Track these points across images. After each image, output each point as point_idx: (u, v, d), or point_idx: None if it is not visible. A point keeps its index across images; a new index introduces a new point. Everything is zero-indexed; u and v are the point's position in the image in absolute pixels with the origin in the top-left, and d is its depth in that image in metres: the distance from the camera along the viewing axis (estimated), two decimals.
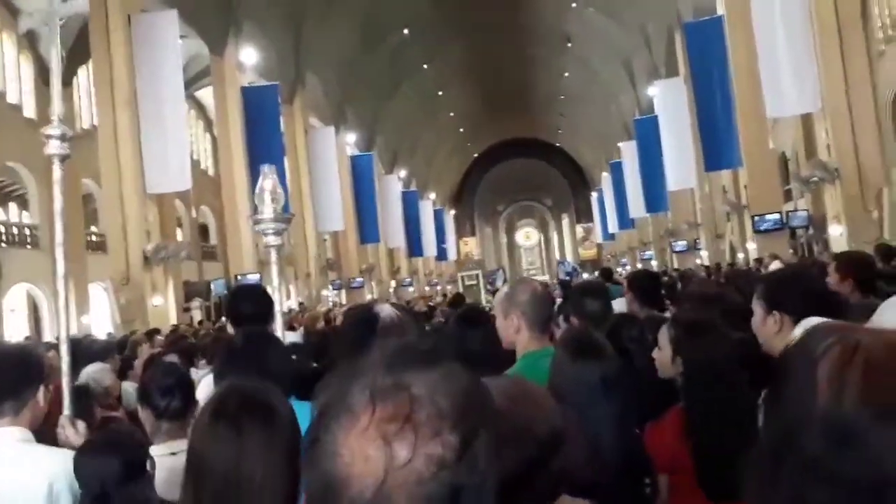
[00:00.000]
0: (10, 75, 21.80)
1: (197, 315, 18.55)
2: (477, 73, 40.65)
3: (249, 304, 3.07)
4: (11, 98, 21.74)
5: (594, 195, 50.85)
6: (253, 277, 20.80)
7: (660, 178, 24.92)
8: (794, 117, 18.52)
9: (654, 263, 34.04)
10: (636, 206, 30.61)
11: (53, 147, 2.73)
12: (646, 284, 4.21)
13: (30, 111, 22.25)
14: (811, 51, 15.80)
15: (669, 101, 23.43)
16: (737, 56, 18.28)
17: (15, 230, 21.97)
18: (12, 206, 24.51)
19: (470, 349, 2.55)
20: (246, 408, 1.44)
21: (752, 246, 20.46)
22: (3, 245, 20.29)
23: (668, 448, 2.22)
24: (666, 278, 10.19)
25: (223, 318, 16.65)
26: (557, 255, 59.78)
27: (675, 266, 26.05)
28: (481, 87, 43.19)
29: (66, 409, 2.55)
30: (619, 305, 4.05)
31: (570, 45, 36.49)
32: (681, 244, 28.77)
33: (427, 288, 41.78)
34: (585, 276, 28.49)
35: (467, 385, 0.63)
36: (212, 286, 20.55)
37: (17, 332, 19.62)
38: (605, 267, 14.97)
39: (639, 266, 35.67)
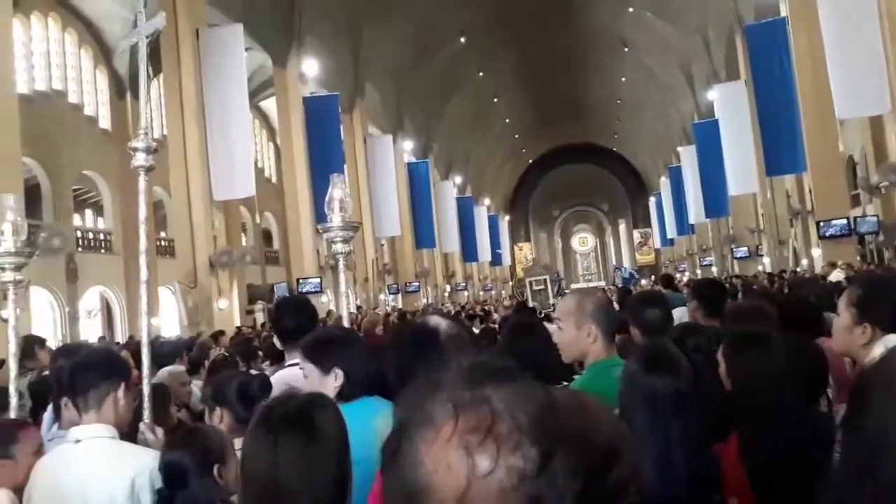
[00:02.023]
0: (87, 89, 22.91)
1: (260, 318, 19.08)
2: (532, 79, 40.52)
3: (293, 316, 3.06)
4: (88, 110, 22.84)
5: (652, 200, 49.94)
6: (313, 282, 21.32)
7: (720, 183, 24.38)
8: (861, 120, 17.89)
9: (714, 270, 33.27)
10: (696, 211, 29.98)
11: (139, 159, 2.89)
12: (712, 293, 4.00)
13: (105, 123, 23.34)
14: (881, 50, 15.28)
15: (730, 104, 22.95)
16: (801, 58, 17.78)
17: (90, 235, 23.07)
18: (88, 212, 25.73)
19: (523, 359, 2.50)
20: (285, 419, 1.50)
21: (817, 252, 19.83)
22: (80, 250, 21.27)
23: (732, 468, 2.06)
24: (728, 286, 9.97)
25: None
26: (614, 261, 58.91)
27: (737, 272, 25.45)
28: (537, 93, 43.02)
29: (147, 412, 2.68)
30: (680, 315, 3.95)
31: (626, 49, 36.06)
32: (742, 250, 28.05)
33: (482, 293, 41.84)
34: (643, 282, 28.15)
35: (544, 400, 0.63)
36: (274, 290, 21.10)
37: (91, 333, 20.44)
38: (666, 273, 14.63)
39: (698, 273, 34.92)
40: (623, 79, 40.11)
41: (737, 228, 29.55)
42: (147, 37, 3.04)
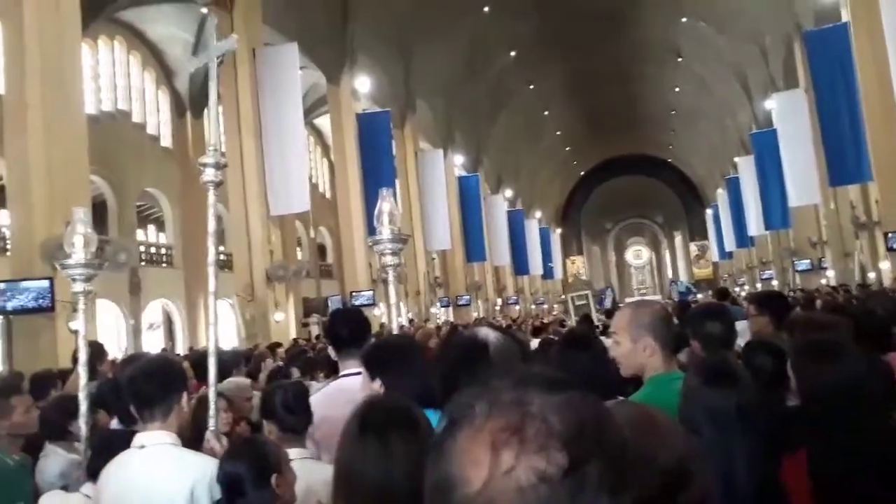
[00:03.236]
0: (150, 108, 23.82)
1: (315, 330, 19.33)
2: (583, 91, 40.29)
3: (347, 327, 3.09)
4: (150, 129, 23.73)
5: (709, 212, 48.87)
6: (366, 294, 21.55)
7: (780, 194, 23.71)
8: None
9: (774, 283, 32.27)
10: (755, 223, 29.19)
11: (209, 174, 2.92)
12: (780, 306, 3.87)
13: (166, 141, 24.20)
14: None
15: (789, 113, 22.32)
16: (864, 63, 17.19)
17: (153, 250, 23.87)
18: (150, 228, 26.64)
19: (577, 373, 2.43)
20: (392, 421, 1.50)
21: (885, 265, 19.03)
22: (143, 264, 22.02)
23: (799, 483, 1.99)
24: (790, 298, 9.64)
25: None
26: (670, 275, 57.78)
27: (799, 286, 24.63)
28: (588, 105, 42.73)
29: (213, 420, 2.73)
30: (742, 328, 3.79)
31: (680, 59, 35.55)
32: (804, 263, 27.14)
33: (533, 306, 41.54)
34: (700, 296, 27.49)
35: (589, 412, 0.64)
36: (328, 303, 21.43)
37: (153, 344, 21.11)
38: (722, 287, 14.31)
39: (758, 286, 33.94)
40: (676, 89, 39.52)
41: (798, 241, 28.64)
42: (217, 58, 3.12)
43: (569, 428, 0.61)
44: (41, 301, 10.70)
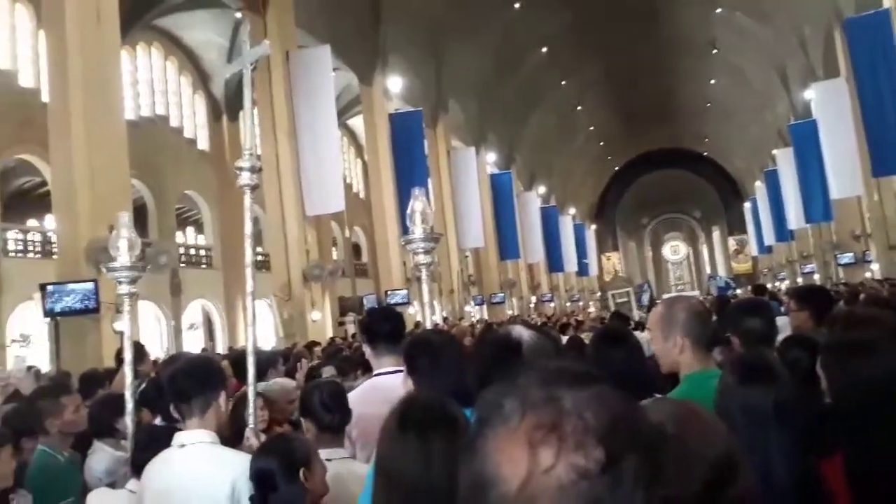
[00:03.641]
0: (187, 113, 24.29)
1: (351, 329, 19.54)
2: (617, 85, 39.88)
3: (381, 325, 3.11)
4: (188, 133, 24.19)
5: (747, 206, 47.95)
6: (401, 293, 21.67)
7: (821, 186, 23.14)
8: None
9: (816, 277, 31.53)
10: (795, 216, 28.56)
11: (245, 178, 2.99)
12: (822, 301, 3.76)
13: (203, 144, 24.64)
14: None
15: (829, 103, 21.78)
16: None
17: (192, 252, 24.34)
18: (189, 230, 27.16)
19: (611, 370, 2.35)
20: (431, 418, 1.50)
21: None
22: (183, 265, 22.46)
23: (836, 486, 1.91)
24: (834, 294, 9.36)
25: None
26: (708, 270, 56.87)
27: (842, 280, 24.04)
28: (621, 100, 42.28)
29: (251, 418, 2.80)
30: (782, 324, 3.67)
31: (715, 51, 34.93)
32: (847, 257, 26.43)
33: (568, 304, 41.27)
34: (739, 291, 27.02)
35: (620, 407, 0.64)
36: (364, 302, 21.62)
37: (193, 344, 21.46)
38: (759, 283, 14.03)
39: (799, 281, 33.21)
40: (712, 81, 38.86)
41: (840, 234, 27.94)
42: (251, 64, 3.19)
43: (603, 423, 0.61)
44: (87, 303, 10.99)
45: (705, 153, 54.15)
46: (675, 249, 62.29)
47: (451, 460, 1.34)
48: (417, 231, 2.87)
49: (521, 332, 2.00)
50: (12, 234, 17.66)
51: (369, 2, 23.67)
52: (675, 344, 2.30)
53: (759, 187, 39.37)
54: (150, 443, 2.75)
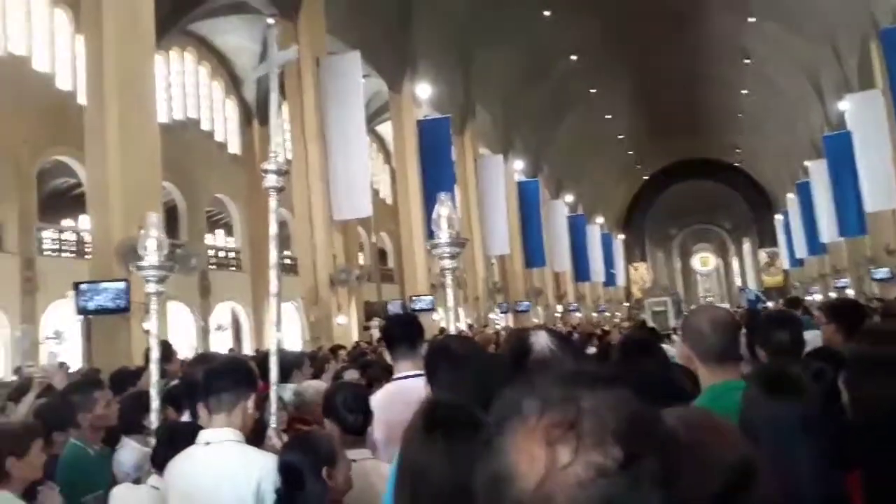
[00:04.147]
0: (218, 116, 24.66)
1: (376, 333, 19.64)
2: (647, 94, 39.60)
3: (401, 329, 3.19)
4: (219, 137, 24.54)
5: (779, 218, 47.19)
6: (426, 299, 21.71)
7: (855, 199, 22.72)
8: None
9: (849, 292, 30.90)
10: (828, 229, 28.05)
11: (270, 180, 3.08)
12: (850, 315, 3.68)
13: (234, 148, 24.99)
14: None
15: (865, 115, 21.42)
16: None
17: (221, 254, 24.65)
18: (219, 232, 27.52)
19: (635, 377, 2.26)
20: (456, 419, 1.51)
21: None
22: (212, 267, 22.77)
23: (856, 501, 1.90)
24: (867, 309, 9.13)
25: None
26: (738, 282, 56.09)
27: (878, 295, 23.54)
28: (652, 109, 41.96)
29: (274, 418, 2.86)
30: (813, 338, 3.68)
31: (747, 61, 34.53)
32: (882, 272, 25.85)
33: (595, 314, 40.95)
34: (770, 304, 26.56)
35: (638, 409, 0.65)
36: (389, 307, 21.72)
37: (221, 345, 21.71)
38: (793, 296, 13.76)
39: (831, 295, 32.56)
40: (744, 91, 38.40)
41: (875, 248, 27.37)
42: (278, 67, 3.25)
43: (621, 423, 0.62)
44: (118, 302, 11.21)
45: (736, 164, 53.47)
46: (704, 261, 61.52)
47: (475, 461, 1.42)
48: (443, 236, 2.88)
49: (539, 339, 2.00)
50: (48, 234, 18.07)
51: (399, 9, 23.84)
52: (689, 353, 2.29)
53: (792, 199, 38.76)
54: (172, 439, 2.80)
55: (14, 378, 9.90)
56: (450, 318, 3.10)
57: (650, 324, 15.04)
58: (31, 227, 17.04)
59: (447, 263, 2.97)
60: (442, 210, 2.93)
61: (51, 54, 18.63)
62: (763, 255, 56.54)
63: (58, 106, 17.42)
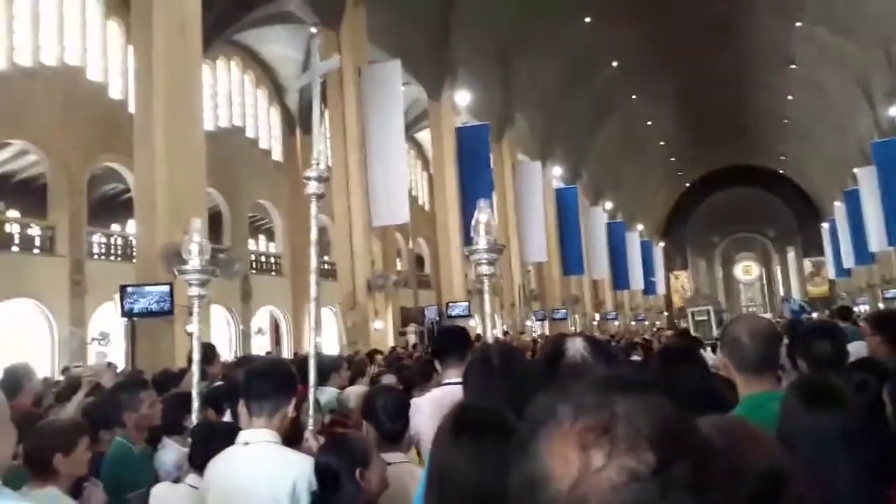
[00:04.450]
0: (262, 124, 25.12)
1: (412, 339, 19.72)
2: (689, 100, 39.04)
3: (453, 341, 3.29)
4: (263, 144, 24.99)
5: (825, 226, 45.99)
6: (462, 305, 21.73)
7: None
8: None
9: None
10: (877, 238, 27.25)
11: (312, 187, 3.15)
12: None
13: (277, 155, 25.41)
14: None
15: None
16: None
17: (262, 259, 25.06)
18: (261, 238, 27.98)
19: (673, 385, 2.40)
20: (485, 423, 1.51)
21: None
22: (253, 272, 23.16)
23: None
24: None
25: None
26: (782, 292, 54.77)
27: None
28: (694, 115, 41.35)
29: (311, 420, 2.90)
30: (857, 350, 3.62)
31: (793, 66, 33.79)
32: None
33: (633, 323, 40.42)
34: (815, 315, 25.87)
35: (672, 415, 0.65)
36: (425, 312, 21.80)
37: (260, 349, 22.02)
38: (843, 305, 13.39)
39: (880, 306, 31.59)
40: (790, 97, 37.60)
41: None
42: (320, 77, 3.33)
43: (655, 429, 0.63)
44: (162, 305, 11.46)
45: (781, 171, 52.31)
46: (747, 270, 60.27)
47: (504, 465, 1.43)
48: (481, 242, 2.88)
49: (574, 344, 1.98)
50: (97, 238, 18.61)
51: (440, 17, 23.99)
52: (724, 362, 2.28)
53: (839, 207, 37.76)
54: (208, 439, 2.85)
55: (61, 378, 10.21)
56: (486, 325, 3.12)
57: (693, 332, 14.80)
58: (80, 231, 17.56)
59: (484, 270, 2.97)
60: (481, 216, 2.93)
61: (104, 65, 19.24)
62: (808, 264, 55.15)
63: (109, 114, 17.97)
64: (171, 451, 3.64)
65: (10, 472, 1.90)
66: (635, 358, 7.97)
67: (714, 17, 30.07)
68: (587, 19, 29.06)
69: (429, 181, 31.23)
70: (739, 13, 30.22)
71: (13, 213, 18.00)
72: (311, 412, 2.93)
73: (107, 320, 16.56)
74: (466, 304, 21.95)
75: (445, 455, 1.52)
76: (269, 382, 2.56)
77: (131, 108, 15.14)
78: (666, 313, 49.66)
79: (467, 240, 2.99)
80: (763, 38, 32.10)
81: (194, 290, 3.24)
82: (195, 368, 3.35)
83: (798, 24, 29.87)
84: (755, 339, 2.23)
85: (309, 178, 3.15)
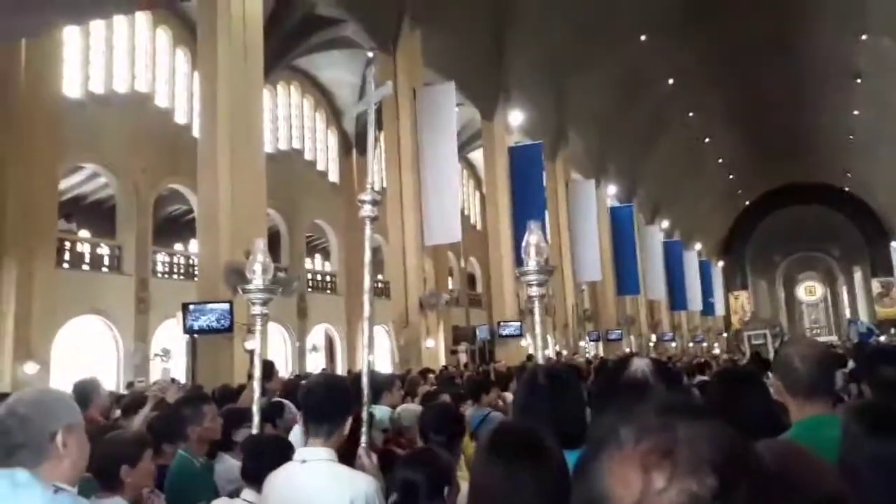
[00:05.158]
0: (320, 147, 25.70)
1: (463, 358, 19.72)
2: (748, 117, 38.18)
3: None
4: (320, 166, 25.55)
5: (894, 245, 44.12)
6: (513, 325, 21.62)
7: None
8: None
9: None
10: None
11: (366, 210, 3.22)
12: None
13: (333, 177, 25.93)
14: None
15: None
16: None
17: (318, 277, 25.51)
18: (317, 257, 28.50)
19: (730, 409, 2.33)
20: (519, 444, 1.55)
21: None
22: (309, 290, 23.58)
23: None
24: None
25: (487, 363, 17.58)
26: (848, 313, 52.59)
27: None
28: (753, 132, 40.40)
29: (364, 437, 2.92)
30: None
31: (859, 80, 32.72)
32: None
33: (691, 344, 39.42)
34: (883, 338, 24.74)
35: (732, 440, 0.66)
36: (477, 332, 21.77)
37: (315, 366, 22.34)
38: None
39: None
40: (855, 112, 36.37)
41: None
42: (374, 104, 3.44)
43: (717, 453, 0.63)
44: (222, 322, 11.81)
45: (846, 188, 50.49)
46: (810, 290, 58.15)
47: (536, 487, 1.47)
48: (531, 263, 2.91)
49: (638, 363, 1.99)
50: (161, 257, 19.30)
51: (494, 39, 24.20)
52: (776, 386, 2.27)
53: None
54: (259, 452, 2.91)
55: (125, 392, 10.60)
56: (537, 345, 3.13)
57: (748, 354, 14.40)
58: (146, 250, 18.25)
59: (535, 291, 2.99)
60: (531, 238, 2.96)
61: (171, 91, 20.08)
62: (876, 284, 52.80)
63: (175, 138, 18.72)
64: (227, 465, 3.74)
65: (81, 482, 2.01)
66: (702, 378, 7.81)
67: (772, 31, 29.42)
68: (643, 37, 28.83)
69: (481, 200, 31.32)
70: (799, 27, 29.50)
71: (84, 233, 18.82)
72: (363, 429, 2.98)
73: (169, 337, 17.10)
74: (519, 323, 21.85)
75: (481, 473, 1.57)
76: (325, 401, 2.59)
77: (195, 133, 15.74)
78: (725, 335, 48.26)
79: (519, 259, 3.02)
80: (825, 53, 31.21)
81: (257, 309, 3.34)
82: (256, 385, 3.44)
83: (863, 36, 28.97)
84: (806, 362, 2.20)
85: (363, 202, 3.22)
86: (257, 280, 3.28)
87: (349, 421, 2.61)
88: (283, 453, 2.80)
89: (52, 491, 1.68)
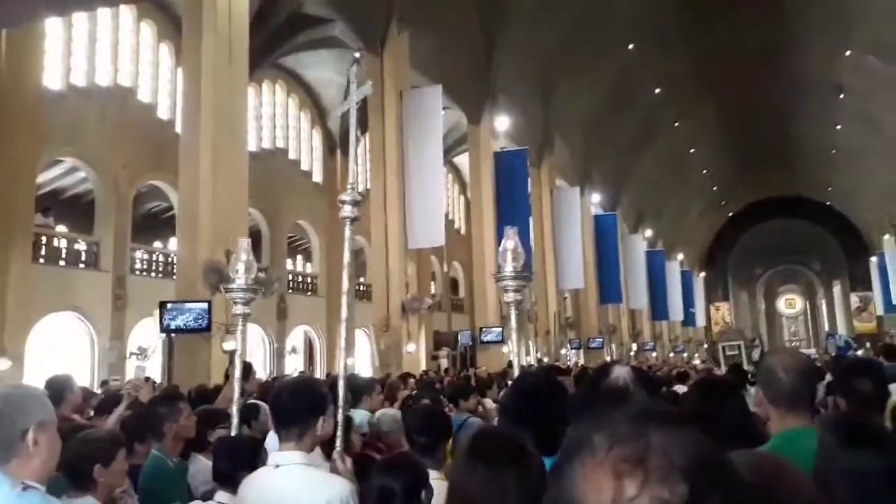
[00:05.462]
0: (304, 146, 25.54)
1: (444, 363, 19.66)
2: (733, 128, 38.61)
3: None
4: (304, 166, 25.39)
5: (873, 260, 44.71)
6: (496, 330, 21.61)
7: None
8: None
9: None
10: None
11: (346, 210, 3.20)
12: None
13: (317, 177, 25.77)
14: None
15: None
16: None
17: (299, 279, 25.34)
18: (298, 258, 28.31)
19: (708, 418, 2.26)
20: (496, 448, 1.59)
21: None
22: (290, 291, 23.40)
23: None
24: None
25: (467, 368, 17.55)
26: (827, 327, 53.26)
27: None
28: (738, 143, 40.86)
29: (339, 441, 2.88)
30: None
31: (842, 95, 33.20)
32: None
33: (671, 354, 39.67)
34: (860, 352, 25.03)
35: (705, 449, 0.66)
36: (458, 337, 21.74)
37: (293, 368, 22.11)
38: (888, 344, 12.95)
39: None
40: (838, 126, 36.90)
41: None
42: (356, 103, 3.39)
43: (689, 462, 0.63)
44: (200, 321, 11.65)
45: (828, 202, 51.17)
46: (790, 303, 58.83)
47: (516, 488, 1.47)
48: (508, 269, 2.90)
49: (619, 370, 1.96)
50: (139, 254, 19.05)
51: (482, 43, 24.21)
52: (759, 397, 2.25)
53: (889, 241, 36.80)
54: (230, 454, 2.87)
55: (100, 391, 10.42)
56: (515, 351, 3.09)
57: (723, 366, 14.50)
58: (124, 247, 17.98)
59: (510, 297, 3.00)
60: (508, 243, 2.96)
61: (153, 86, 19.85)
62: (855, 299, 53.50)
63: (157, 134, 18.49)
64: (200, 466, 3.68)
65: (51, 481, 1.95)
66: (679, 388, 7.86)
67: (759, 44, 29.79)
68: (630, 46, 29.03)
69: (465, 205, 31.31)
70: (786, 41, 29.90)
71: (62, 228, 18.55)
72: (339, 433, 2.92)
73: (146, 335, 16.88)
74: (500, 329, 21.83)
75: (460, 476, 1.60)
76: (294, 405, 2.53)
77: (178, 129, 15.57)
78: (705, 345, 48.66)
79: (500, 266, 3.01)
80: (811, 67, 31.66)
81: (239, 309, 3.29)
82: (236, 385, 3.38)
83: (847, 52, 29.41)
84: (789, 372, 2.20)
85: (343, 202, 3.19)
86: (240, 279, 3.23)
87: (321, 421, 2.54)
88: (256, 455, 2.75)
89: (20, 488, 1.65)
